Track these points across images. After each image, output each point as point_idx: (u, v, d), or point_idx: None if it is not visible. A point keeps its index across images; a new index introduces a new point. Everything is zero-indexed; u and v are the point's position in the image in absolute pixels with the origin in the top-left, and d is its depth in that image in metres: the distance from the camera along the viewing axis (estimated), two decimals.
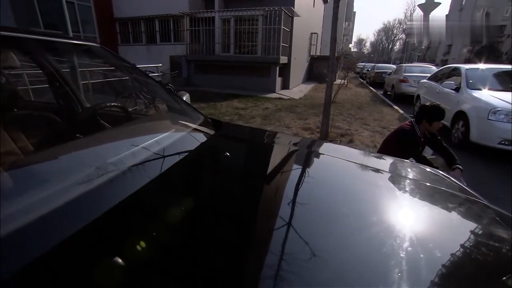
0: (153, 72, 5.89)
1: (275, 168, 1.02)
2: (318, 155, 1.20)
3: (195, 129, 1.11)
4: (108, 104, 1.14)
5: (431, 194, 0.91)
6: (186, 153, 0.91)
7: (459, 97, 4.14)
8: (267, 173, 0.96)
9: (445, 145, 2.23)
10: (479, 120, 3.49)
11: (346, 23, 44.21)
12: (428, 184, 0.96)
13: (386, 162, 1.21)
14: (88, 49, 1.20)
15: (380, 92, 10.49)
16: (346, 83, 11.43)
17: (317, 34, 15.13)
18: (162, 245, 0.51)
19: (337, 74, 13.77)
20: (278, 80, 8.91)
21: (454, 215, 0.84)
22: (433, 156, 2.32)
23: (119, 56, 1.30)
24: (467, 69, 4.53)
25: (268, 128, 4.30)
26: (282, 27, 8.24)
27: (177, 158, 0.86)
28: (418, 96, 6.20)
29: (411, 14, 51.63)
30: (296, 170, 1.03)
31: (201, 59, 9.40)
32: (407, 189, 0.93)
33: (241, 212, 0.69)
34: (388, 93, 9.82)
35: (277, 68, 8.60)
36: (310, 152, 1.22)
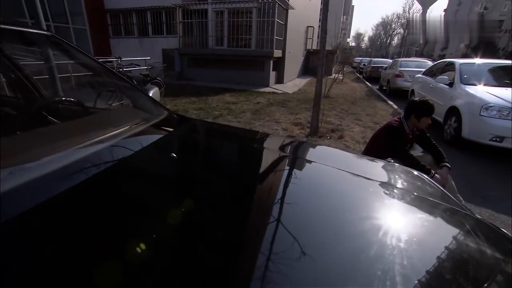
0: (139, 65, 5.71)
1: (235, 168, 0.93)
2: (288, 155, 1.11)
3: (152, 126, 1.01)
4: (57, 99, 1.03)
5: (412, 202, 0.83)
6: (132, 151, 0.81)
7: (452, 93, 4.06)
8: (223, 173, 0.87)
9: (433, 142, 2.16)
10: (471, 116, 3.42)
11: (344, 17, 43.83)
12: (409, 190, 0.88)
13: (371, 166, 1.13)
14: (37, 37, 1.08)
15: (375, 87, 10.40)
16: (342, 78, 11.33)
17: (314, 27, 14.90)
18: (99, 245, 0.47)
19: (333, 69, 13.66)
20: (272, 74, 8.76)
21: (432, 225, 0.75)
22: (421, 154, 2.24)
23: (75, 46, 1.18)
24: (461, 63, 4.44)
25: (257, 123, 4.20)
26: (276, 20, 8.07)
27: (121, 156, 0.78)
28: (413, 91, 6.11)
29: (410, 8, 51.34)
30: (259, 170, 0.94)
31: (194, 53, 9.21)
32: (389, 195, 0.85)
33: (187, 215, 0.60)
34: (384, 88, 9.73)
35: (271, 62, 8.45)
36: (278, 151, 1.12)
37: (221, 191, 0.76)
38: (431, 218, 0.78)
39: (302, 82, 10.97)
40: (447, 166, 2.02)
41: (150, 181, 0.77)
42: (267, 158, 1.06)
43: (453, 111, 3.79)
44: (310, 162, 1.02)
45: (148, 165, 0.85)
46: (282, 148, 1.20)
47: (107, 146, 0.79)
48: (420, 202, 0.83)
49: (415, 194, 0.86)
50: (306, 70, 14.20)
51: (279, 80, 9.43)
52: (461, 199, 2.05)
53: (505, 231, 0.71)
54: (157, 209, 0.62)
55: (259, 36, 8.29)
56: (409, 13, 50.25)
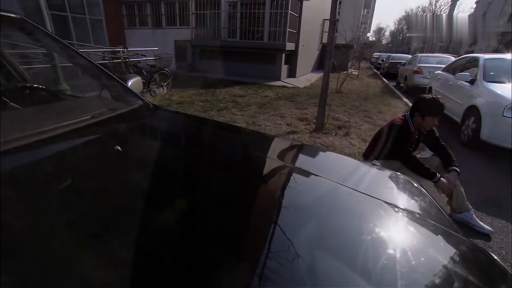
0: (145, 56, 5.71)
1: (197, 166, 0.85)
2: (267, 156, 1.01)
3: (116, 116, 0.95)
4: (21, 85, 0.99)
5: (402, 221, 0.73)
6: (82, 141, 0.76)
7: (473, 90, 3.75)
8: (180, 168, 0.79)
9: (443, 143, 1.98)
10: (492, 116, 3.13)
11: (365, 10, 42.11)
12: (401, 207, 0.77)
13: (366, 175, 1.01)
14: (6, 20, 1.03)
15: (392, 84, 9.93)
16: (357, 73, 10.91)
17: None
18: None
19: (349, 64, 13.15)
20: (284, 67, 8.55)
21: (418, 247, 0.65)
22: (428, 156, 2.06)
23: (47, 31, 1.13)
24: (486, 59, 4.08)
25: (262, 117, 4.09)
26: (290, 11, 7.82)
27: (69, 146, 0.73)
28: (430, 88, 5.75)
29: (437, 0, 48.57)
30: (231, 171, 0.86)
31: (206, 44, 9.14)
32: (380, 212, 0.75)
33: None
34: (401, 85, 9.28)
35: (283, 55, 8.23)
36: (254, 149, 1.03)
37: (176, 188, 0.69)
38: (419, 239, 0.67)
39: (315, 76, 10.67)
40: (456, 171, 1.84)
41: (97, 175, 0.70)
42: (241, 156, 0.98)
43: (473, 111, 3.51)
44: (293, 167, 0.92)
45: (97, 156, 0.78)
46: (257, 145, 1.10)
47: (58, 134, 0.74)
48: (412, 221, 0.72)
49: (407, 211, 0.75)
50: (321, 64, 13.78)
51: (291, 74, 9.20)
52: (470, 207, 1.87)
53: (495, 257, 0.59)
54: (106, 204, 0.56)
55: (271, 28, 8.08)
56: (435, 5, 47.52)
